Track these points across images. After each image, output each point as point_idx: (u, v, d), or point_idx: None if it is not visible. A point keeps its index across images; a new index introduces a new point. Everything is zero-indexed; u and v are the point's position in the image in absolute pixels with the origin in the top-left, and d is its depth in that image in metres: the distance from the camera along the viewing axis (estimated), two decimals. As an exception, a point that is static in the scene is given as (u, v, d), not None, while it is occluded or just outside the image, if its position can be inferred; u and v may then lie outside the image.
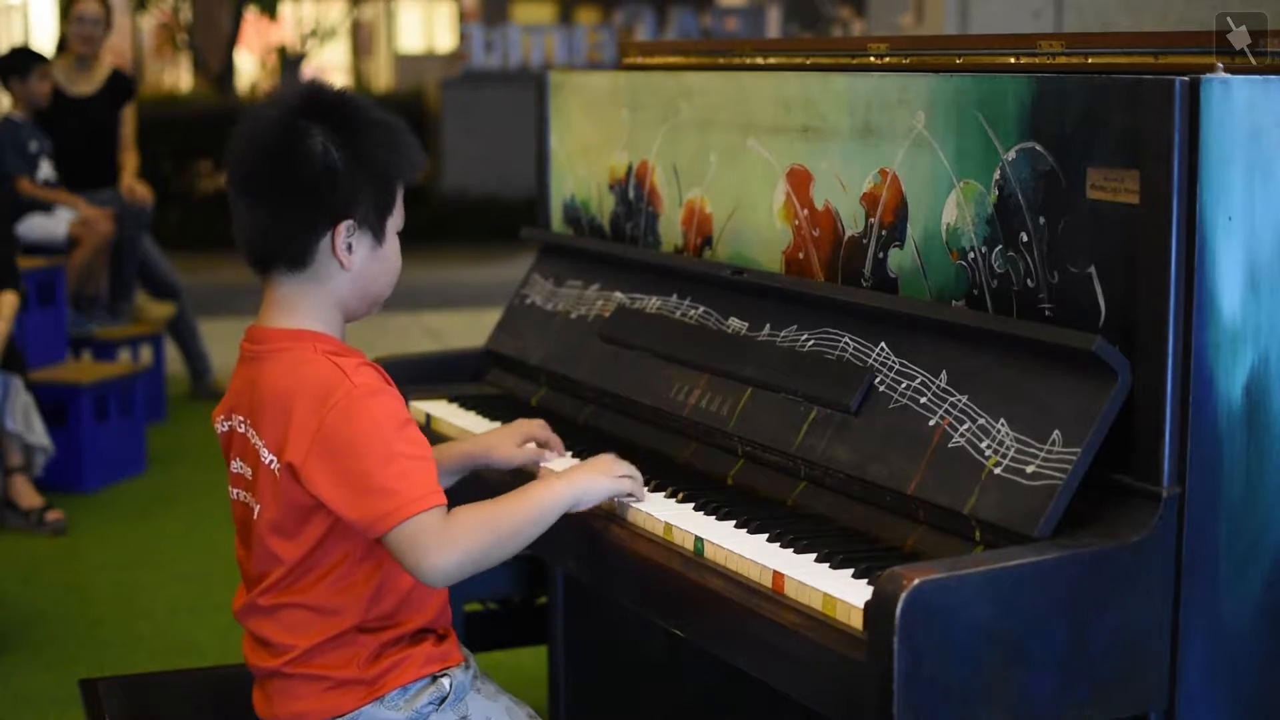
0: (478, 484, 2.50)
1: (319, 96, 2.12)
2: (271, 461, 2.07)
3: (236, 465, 2.15)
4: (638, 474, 2.27)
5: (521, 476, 2.47)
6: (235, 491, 2.16)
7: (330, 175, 2.07)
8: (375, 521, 2.00)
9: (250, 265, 2.15)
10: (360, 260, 2.11)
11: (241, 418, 2.13)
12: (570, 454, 2.51)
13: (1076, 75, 2.00)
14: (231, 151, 2.12)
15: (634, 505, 2.23)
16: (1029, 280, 2.03)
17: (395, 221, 2.15)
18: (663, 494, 2.29)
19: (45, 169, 6.40)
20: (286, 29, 16.72)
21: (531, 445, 2.47)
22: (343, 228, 2.09)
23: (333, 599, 2.08)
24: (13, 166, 6.24)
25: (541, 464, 2.45)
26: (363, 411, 2.02)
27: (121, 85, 6.84)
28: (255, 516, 2.11)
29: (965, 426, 2.01)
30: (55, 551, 4.94)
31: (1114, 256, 1.91)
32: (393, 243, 2.15)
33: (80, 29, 6.67)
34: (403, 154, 2.13)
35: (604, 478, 2.22)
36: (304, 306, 2.12)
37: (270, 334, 2.12)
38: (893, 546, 2.04)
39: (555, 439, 2.49)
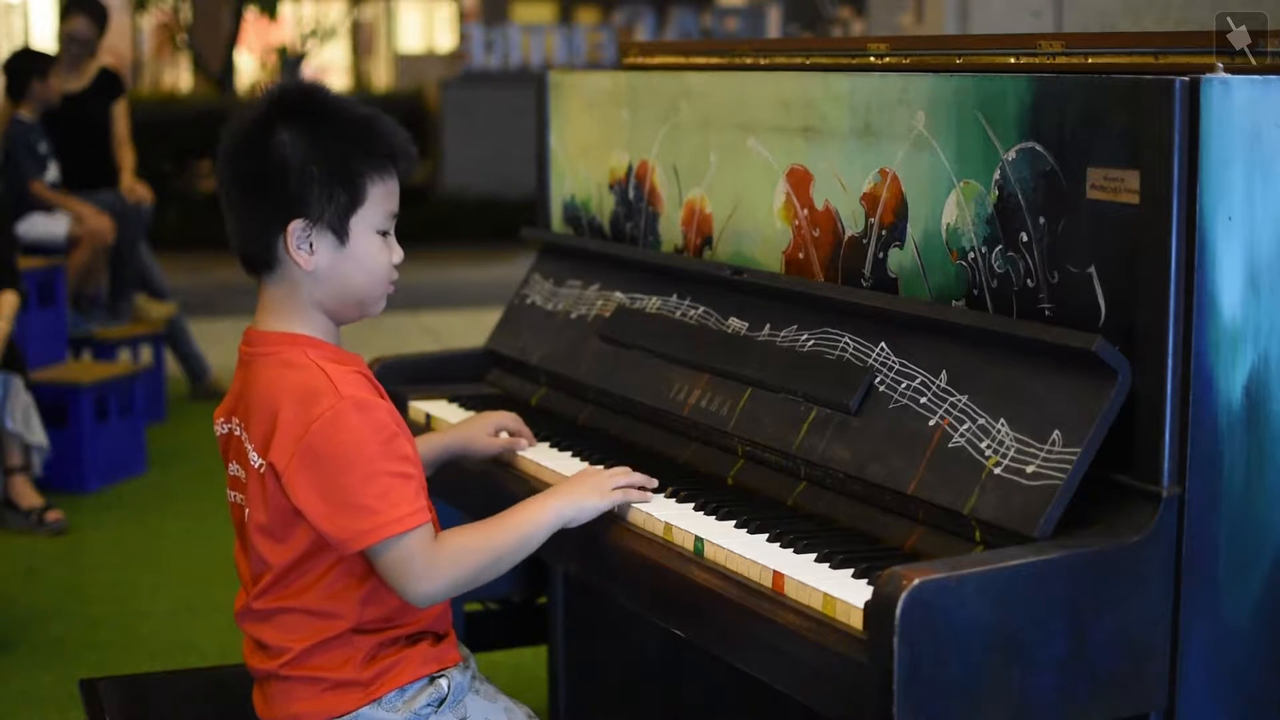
0: (455, 472, 2.52)
1: (286, 95, 2.09)
2: (260, 465, 2.06)
3: (233, 468, 2.14)
4: (633, 480, 2.25)
5: (505, 469, 2.51)
6: (232, 494, 2.16)
7: (280, 173, 2.03)
8: (351, 539, 2.00)
9: (243, 269, 2.15)
10: (324, 261, 2.07)
11: (238, 420, 2.12)
12: (570, 454, 2.52)
13: (1076, 75, 2.00)
14: (217, 154, 2.12)
15: (634, 505, 2.23)
16: (1029, 280, 2.03)
17: (370, 220, 2.08)
18: (663, 494, 2.28)
19: (53, 171, 6.41)
20: (286, 29, 16.70)
21: (505, 435, 2.51)
22: (293, 227, 2.04)
23: (327, 603, 2.08)
24: (25, 168, 6.25)
25: (521, 455, 2.50)
26: (347, 426, 2.00)
27: (110, 81, 6.87)
28: (245, 519, 2.11)
29: (965, 426, 2.01)
30: (55, 551, 4.94)
31: (1114, 256, 1.91)
32: (366, 241, 2.08)
33: (70, 48, 6.76)
34: (372, 149, 2.07)
35: (595, 495, 2.19)
36: (288, 309, 2.10)
37: (263, 337, 2.12)
38: (893, 546, 2.04)
39: (525, 430, 2.53)
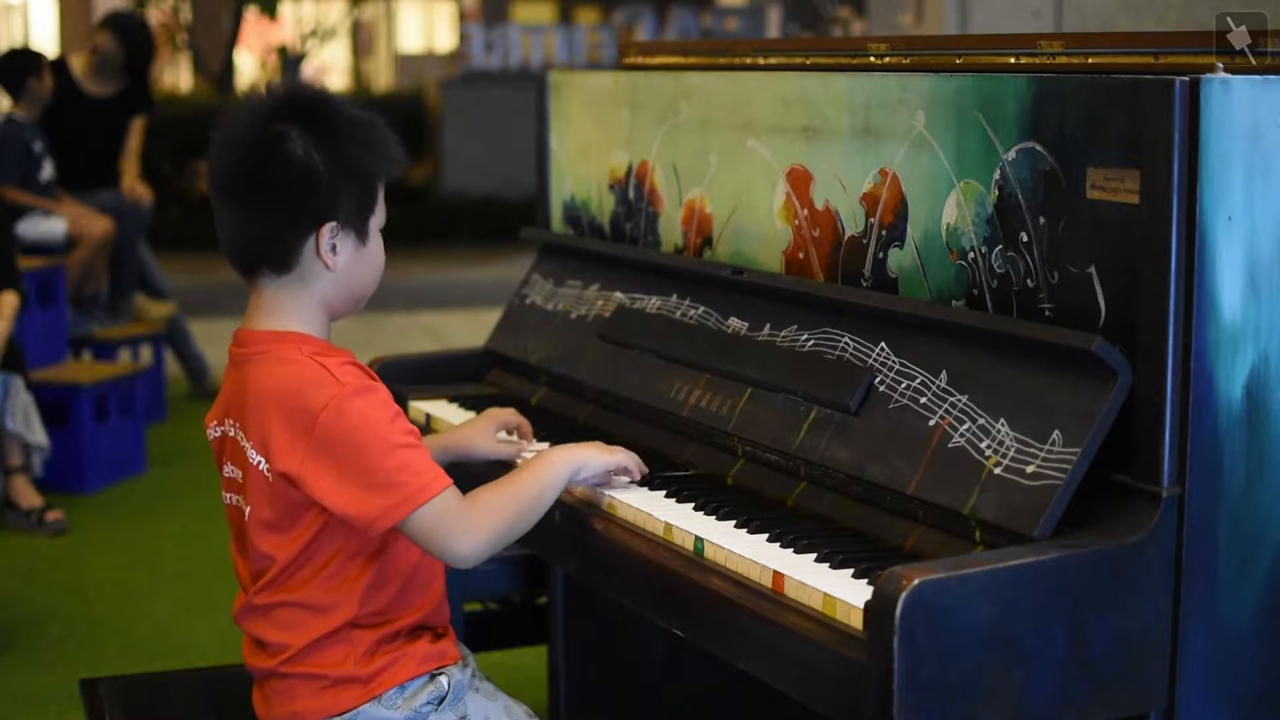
0: (461, 472, 2.51)
1: (295, 98, 2.11)
2: (260, 462, 2.07)
3: (229, 470, 2.15)
4: (634, 456, 2.32)
5: (506, 466, 2.49)
6: (228, 496, 2.16)
7: (311, 177, 2.06)
8: (381, 516, 2.01)
9: (235, 269, 2.15)
10: (345, 260, 2.11)
11: (232, 421, 2.13)
12: (548, 444, 2.53)
13: (1076, 75, 2.00)
14: (211, 157, 2.12)
15: (633, 505, 2.24)
16: (1029, 280, 2.03)
17: (378, 220, 2.15)
18: (663, 494, 2.29)
19: (48, 169, 6.41)
20: (286, 29, 16.70)
21: (504, 433, 2.53)
22: (326, 229, 2.08)
23: (326, 595, 2.09)
24: (14, 169, 6.25)
25: (523, 454, 2.50)
26: (355, 410, 2.02)
27: (138, 96, 6.87)
28: (246, 518, 2.11)
29: (965, 426, 2.01)
30: (55, 551, 4.94)
31: (1114, 256, 1.91)
32: (376, 241, 2.15)
33: (92, 58, 6.79)
34: (382, 152, 2.12)
35: (599, 453, 2.27)
36: (289, 308, 2.12)
37: (256, 336, 2.12)
38: (893, 546, 2.04)
39: (525, 423, 2.55)
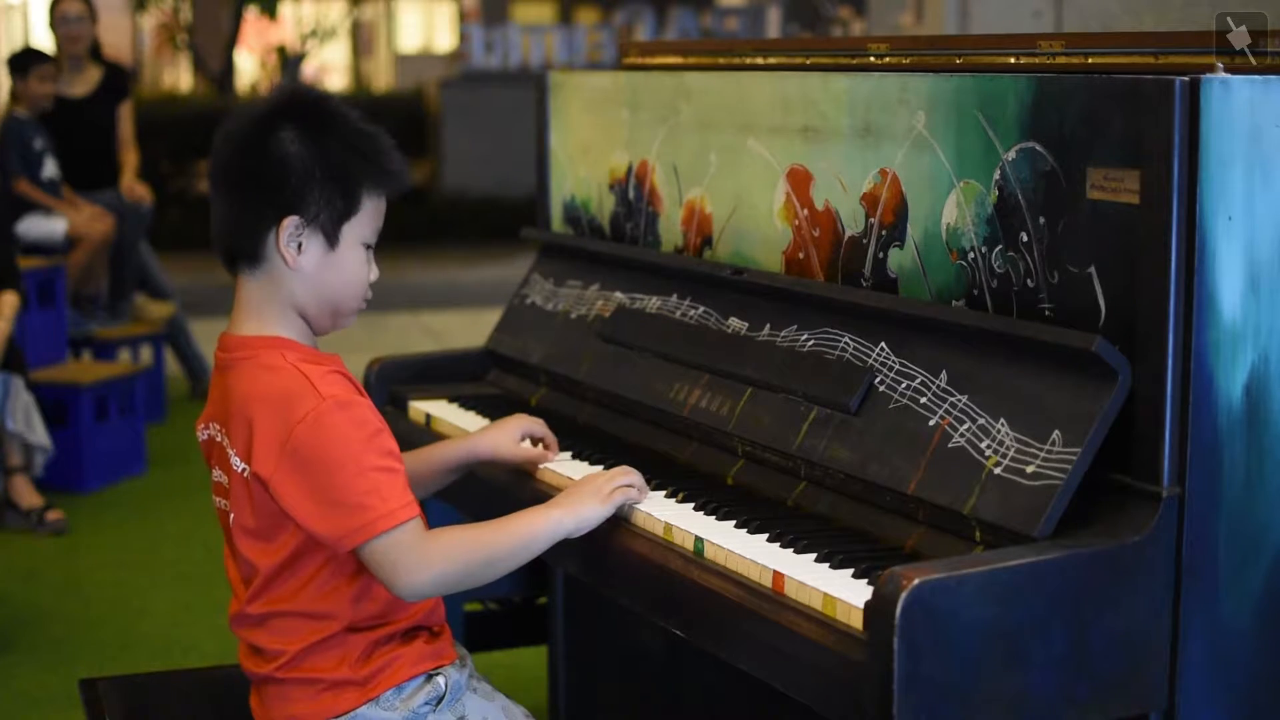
0: (477, 484, 2.50)
1: (297, 97, 2.11)
2: (243, 469, 2.06)
3: (217, 474, 2.14)
4: (636, 478, 2.24)
5: (522, 477, 2.48)
6: (217, 500, 2.16)
7: (280, 169, 2.05)
8: (344, 537, 2.00)
9: (222, 263, 2.16)
10: (311, 262, 2.08)
11: (218, 426, 2.12)
12: (569, 454, 2.51)
13: (1076, 75, 2.00)
14: (211, 150, 2.13)
15: (634, 505, 2.23)
16: (1029, 280, 2.03)
17: (359, 232, 2.10)
18: (663, 494, 2.28)
19: (50, 167, 6.40)
20: (286, 29, 16.70)
21: (528, 443, 2.47)
22: (287, 223, 2.06)
23: (319, 603, 2.08)
24: (16, 166, 6.24)
25: (542, 465, 2.45)
26: (332, 425, 2.00)
27: (116, 83, 6.83)
28: (230, 523, 2.11)
29: (965, 426, 2.01)
30: (55, 551, 4.94)
31: (1114, 256, 1.91)
32: (353, 253, 2.10)
33: (65, 29, 6.71)
34: (373, 164, 2.10)
35: (595, 502, 2.18)
36: (266, 309, 2.11)
37: (239, 341, 2.12)
38: (893, 546, 2.04)
39: (550, 436, 2.49)
